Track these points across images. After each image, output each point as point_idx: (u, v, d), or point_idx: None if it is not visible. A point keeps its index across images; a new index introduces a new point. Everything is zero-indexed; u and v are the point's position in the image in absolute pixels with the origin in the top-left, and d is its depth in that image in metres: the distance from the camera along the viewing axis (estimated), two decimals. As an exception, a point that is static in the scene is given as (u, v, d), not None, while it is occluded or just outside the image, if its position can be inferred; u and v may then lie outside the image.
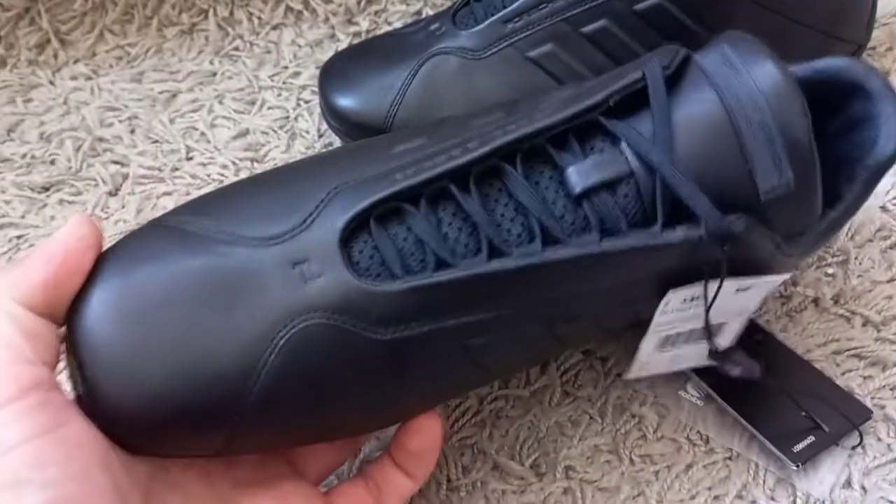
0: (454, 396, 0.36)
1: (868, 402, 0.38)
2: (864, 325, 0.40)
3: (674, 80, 0.31)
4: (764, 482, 0.36)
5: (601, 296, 0.31)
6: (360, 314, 0.28)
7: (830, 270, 0.42)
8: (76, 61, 0.55)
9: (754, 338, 0.38)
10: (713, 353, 0.34)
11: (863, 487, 0.36)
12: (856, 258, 0.42)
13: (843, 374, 0.39)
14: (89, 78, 0.54)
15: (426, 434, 0.32)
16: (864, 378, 0.39)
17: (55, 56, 0.55)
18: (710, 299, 0.32)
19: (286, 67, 0.54)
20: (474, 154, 0.30)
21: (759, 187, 0.30)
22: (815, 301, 0.41)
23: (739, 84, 0.30)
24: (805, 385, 0.38)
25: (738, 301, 0.33)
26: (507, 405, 0.39)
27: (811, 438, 0.36)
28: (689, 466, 0.37)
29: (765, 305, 0.41)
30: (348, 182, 0.30)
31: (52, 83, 0.54)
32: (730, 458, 0.37)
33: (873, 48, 0.51)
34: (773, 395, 0.36)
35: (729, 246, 0.30)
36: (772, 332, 0.40)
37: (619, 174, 0.31)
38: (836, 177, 0.35)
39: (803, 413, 0.36)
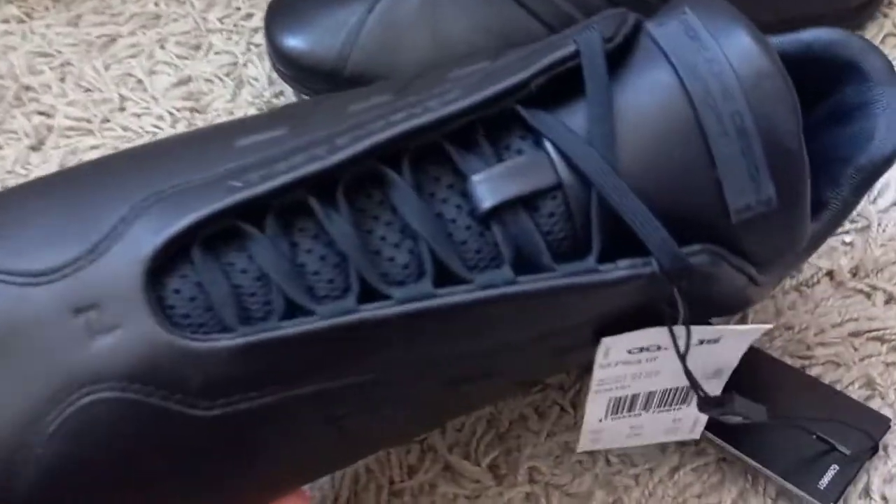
0: (326, 473, 0.26)
1: (892, 394, 0.32)
2: (886, 302, 0.34)
3: (619, 57, 0.24)
4: (764, 490, 0.30)
5: (519, 349, 0.24)
6: (175, 383, 0.20)
7: (848, 238, 0.36)
8: (9, 2, 0.50)
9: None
10: (703, 401, 0.25)
11: (883, 497, 0.30)
12: (879, 225, 0.36)
13: (861, 359, 0.33)
14: (21, 21, 0.49)
15: None
16: (887, 365, 0.33)
17: (-16, -3, 0.50)
18: (681, 347, 0.24)
19: (238, 8, 0.49)
20: (344, 154, 0.22)
21: (730, 205, 0.22)
22: (830, 274, 0.35)
23: (706, 63, 0.23)
24: (810, 405, 0.31)
25: (710, 356, 0.26)
26: (464, 394, 0.33)
27: (835, 468, 0.29)
28: (674, 469, 0.31)
29: (771, 279, 0.35)
30: (164, 191, 0.21)
31: (-20, 27, 0.49)
32: (724, 460, 0.31)
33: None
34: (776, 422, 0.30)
35: (686, 283, 0.23)
36: (758, 346, 0.33)
37: (541, 186, 0.23)
38: (819, 178, 0.27)
39: (814, 436, 0.30)
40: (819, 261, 0.35)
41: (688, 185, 0.23)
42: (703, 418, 0.29)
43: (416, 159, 0.23)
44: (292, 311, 0.21)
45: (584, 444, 0.29)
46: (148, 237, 0.21)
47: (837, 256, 0.36)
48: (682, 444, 0.31)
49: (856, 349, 0.33)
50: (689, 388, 0.27)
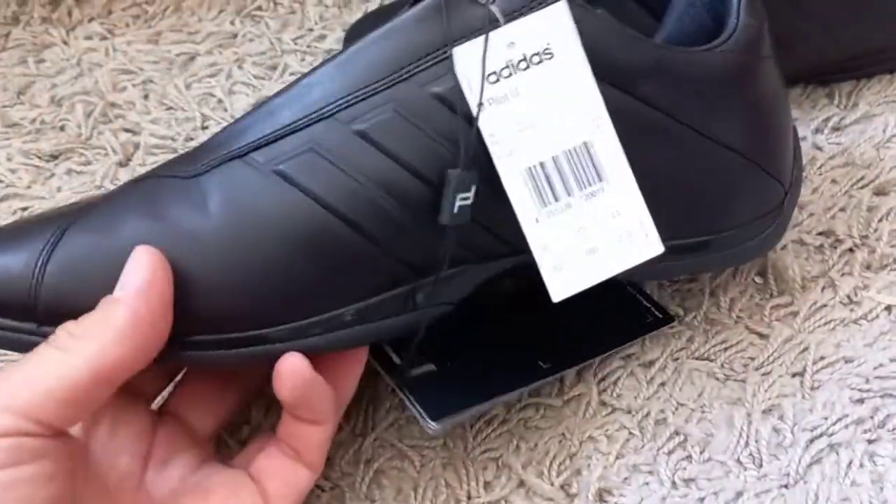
0: None
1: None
2: (944, 337, 0.36)
3: None
4: (823, 515, 0.32)
5: None
6: None
7: (908, 273, 0.38)
8: (91, 20, 0.52)
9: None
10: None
11: None
12: (937, 260, 0.38)
13: (918, 393, 0.34)
14: (104, 38, 0.51)
15: (287, 378, 0.28)
16: (943, 399, 0.34)
17: (69, 14, 0.52)
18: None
19: (311, 30, 0.51)
20: None
21: None
22: (889, 308, 0.37)
23: None
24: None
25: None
26: (536, 414, 0.35)
27: None
28: (738, 494, 0.33)
29: (831, 312, 0.37)
30: None
31: (65, 43, 0.51)
32: (785, 486, 0.33)
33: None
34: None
35: None
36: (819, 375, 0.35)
37: None
38: None
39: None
40: (878, 296, 0.37)
41: None
42: (646, 215, 0.30)
43: None
44: None
45: (555, 289, 0.30)
46: None
47: (896, 291, 0.37)
48: (745, 469, 0.33)
49: (913, 383, 0.35)
50: (590, 151, 0.29)
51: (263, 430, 0.34)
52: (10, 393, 0.25)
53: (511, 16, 0.29)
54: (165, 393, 0.33)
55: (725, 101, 0.32)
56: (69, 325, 0.27)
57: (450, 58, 0.28)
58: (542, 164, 0.29)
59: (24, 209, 0.44)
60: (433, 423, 0.31)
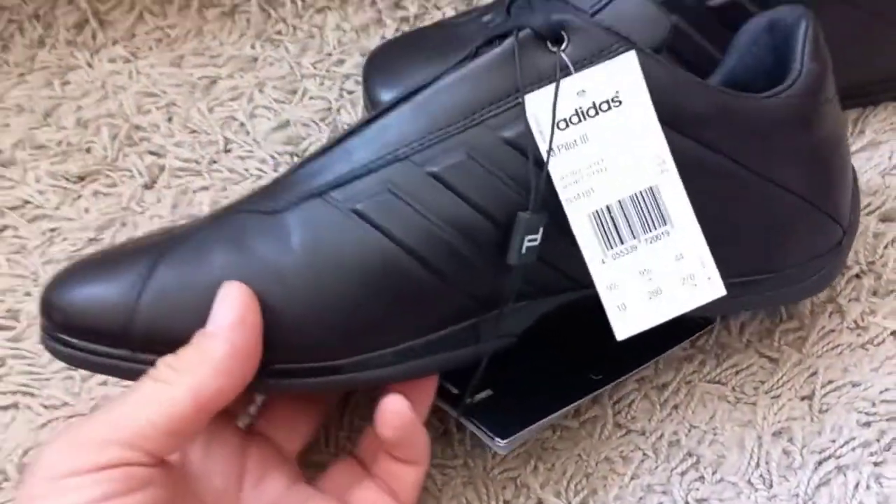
0: None
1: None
2: (948, 361, 0.37)
3: None
4: (832, 536, 0.33)
5: None
6: None
7: (913, 300, 0.39)
8: (115, 43, 0.53)
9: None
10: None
11: None
12: (941, 286, 0.39)
13: (922, 416, 0.36)
14: (128, 61, 0.53)
15: (391, 418, 0.30)
16: (946, 422, 0.35)
17: (93, 37, 0.53)
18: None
19: (330, 54, 0.52)
20: None
21: None
22: (895, 334, 0.38)
23: None
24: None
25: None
26: (554, 436, 0.36)
27: None
28: (749, 513, 0.34)
29: (839, 336, 0.38)
30: None
31: (90, 65, 0.52)
32: (795, 507, 0.34)
33: None
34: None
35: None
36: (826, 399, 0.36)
37: None
38: None
39: None
40: (885, 321, 0.38)
41: None
42: (708, 258, 0.31)
43: None
44: None
45: (619, 328, 0.31)
46: None
47: (901, 317, 0.38)
48: (755, 490, 0.34)
49: (917, 406, 0.36)
50: (656, 196, 0.31)
51: (343, 457, 0.34)
52: (116, 426, 0.26)
53: (581, 63, 0.30)
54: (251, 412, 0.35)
55: (787, 145, 0.33)
56: (169, 359, 0.28)
57: (521, 104, 0.29)
58: (608, 208, 0.30)
59: (53, 230, 0.45)
60: (502, 442, 0.32)
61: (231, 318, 0.28)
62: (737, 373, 0.38)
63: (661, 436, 0.36)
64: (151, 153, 0.48)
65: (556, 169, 0.30)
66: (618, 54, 0.30)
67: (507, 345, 0.32)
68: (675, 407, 0.37)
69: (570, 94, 0.30)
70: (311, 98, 0.50)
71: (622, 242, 0.31)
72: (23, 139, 0.49)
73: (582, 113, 0.30)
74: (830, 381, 0.37)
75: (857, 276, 0.40)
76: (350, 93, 0.50)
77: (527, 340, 0.32)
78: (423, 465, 0.32)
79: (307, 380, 0.30)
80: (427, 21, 0.52)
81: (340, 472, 0.33)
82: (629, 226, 0.31)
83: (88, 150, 0.48)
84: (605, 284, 0.31)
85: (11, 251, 0.44)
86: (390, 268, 0.29)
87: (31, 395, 0.39)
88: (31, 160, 0.48)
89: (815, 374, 0.37)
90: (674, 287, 0.31)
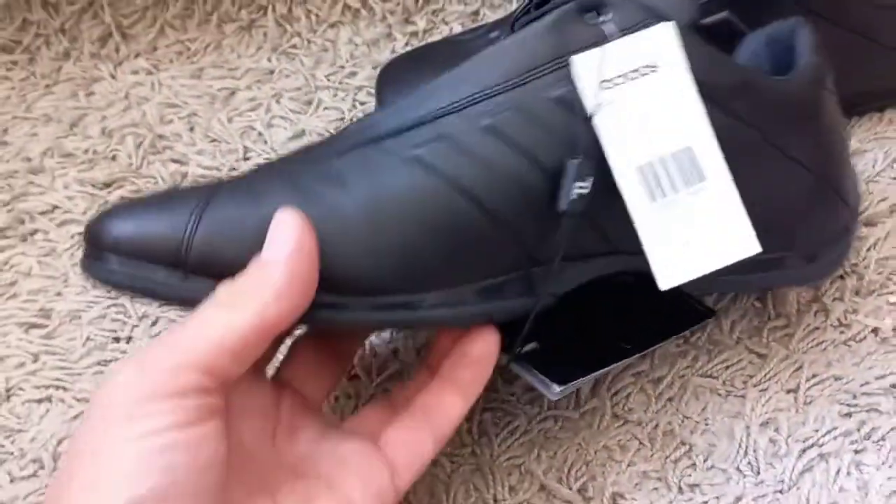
0: None
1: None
2: (926, 357, 0.39)
3: None
4: (814, 518, 0.36)
5: None
6: None
7: (893, 299, 0.41)
8: (137, 55, 0.56)
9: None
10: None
11: None
12: (920, 286, 0.41)
13: (901, 408, 0.38)
14: (150, 73, 0.55)
15: (485, 340, 0.32)
16: (924, 414, 0.38)
17: (117, 50, 0.56)
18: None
19: (342, 67, 0.54)
20: None
21: None
22: (875, 331, 0.40)
23: None
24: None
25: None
26: (555, 426, 0.39)
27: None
28: (738, 498, 0.36)
29: (823, 334, 0.41)
30: None
31: (113, 77, 0.55)
32: (780, 492, 0.36)
33: None
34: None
35: None
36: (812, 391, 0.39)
37: None
38: None
39: None
40: (866, 319, 0.41)
41: None
42: (744, 216, 0.33)
43: None
44: None
45: (663, 278, 0.32)
46: None
47: (882, 315, 0.41)
48: (744, 476, 0.37)
49: (896, 398, 0.38)
50: (694, 155, 0.32)
51: (377, 399, 0.36)
52: (187, 349, 0.26)
53: (625, 31, 0.32)
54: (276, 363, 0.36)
55: (803, 124, 0.35)
56: (228, 285, 0.28)
57: (566, 67, 0.31)
58: (650, 164, 0.32)
59: (81, 234, 0.48)
60: (558, 388, 0.34)
61: (290, 243, 0.28)
62: (727, 367, 0.40)
63: (657, 426, 0.38)
64: (174, 161, 0.51)
65: (601, 124, 0.31)
66: (658, 23, 0.32)
67: (550, 303, 0.34)
68: (670, 399, 0.39)
69: (612, 59, 0.32)
70: (325, 108, 0.53)
71: (664, 195, 0.32)
72: (51, 147, 0.51)
73: (624, 75, 0.32)
74: (815, 375, 0.39)
75: (841, 276, 0.42)
76: (363, 104, 0.52)
77: (565, 305, 0.34)
78: (468, 401, 0.33)
79: (357, 314, 0.30)
80: (436, 36, 0.55)
81: (372, 412, 0.34)
82: (670, 180, 0.32)
83: (114, 158, 0.51)
84: (649, 236, 0.32)
85: (42, 254, 0.47)
86: (449, 211, 0.30)
87: (64, 388, 0.42)
88: (59, 168, 0.50)
89: (800, 368, 0.39)
90: (713, 240, 0.33)
